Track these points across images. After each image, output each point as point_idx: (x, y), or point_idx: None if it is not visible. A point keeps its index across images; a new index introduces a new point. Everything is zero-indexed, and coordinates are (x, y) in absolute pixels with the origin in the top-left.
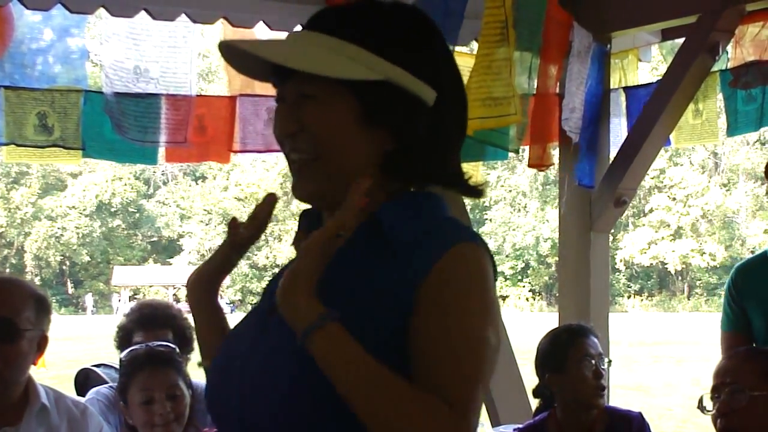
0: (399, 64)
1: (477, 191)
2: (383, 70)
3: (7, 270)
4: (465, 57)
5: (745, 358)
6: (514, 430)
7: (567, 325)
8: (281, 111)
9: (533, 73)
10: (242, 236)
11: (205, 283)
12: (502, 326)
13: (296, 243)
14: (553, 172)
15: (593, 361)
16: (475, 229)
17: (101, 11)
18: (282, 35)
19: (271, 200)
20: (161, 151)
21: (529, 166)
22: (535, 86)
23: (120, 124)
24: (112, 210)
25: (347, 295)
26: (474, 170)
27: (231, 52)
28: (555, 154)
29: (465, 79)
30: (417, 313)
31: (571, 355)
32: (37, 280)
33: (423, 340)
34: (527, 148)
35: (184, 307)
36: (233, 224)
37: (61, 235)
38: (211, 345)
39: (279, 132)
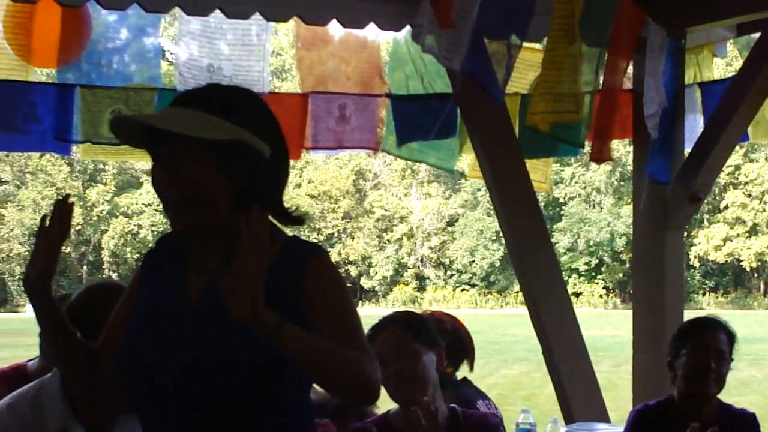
0: (244, 127)
1: (300, 220)
2: (235, 132)
3: (84, 267)
4: (526, 51)
5: None
6: (636, 408)
7: (698, 317)
8: (159, 166)
9: (600, 69)
10: (56, 235)
11: (41, 286)
12: (575, 323)
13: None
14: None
15: (708, 354)
16: (547, 226)
17: (176, 10)
18: (355, 32)
19: (69, 203)
20: None
21: (591, 160)
22: (601, 81)
23: None
24: None
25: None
26: (545, 167)
27: (119, 126)
28: (618, 149)
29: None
30: (311, 301)
31: (690, 345)
32: (114, 276)
33: (324, 317)
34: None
35: None
36: (44, 223)
37: (137, 232)
38: (56, 334)
39: (158, 181)
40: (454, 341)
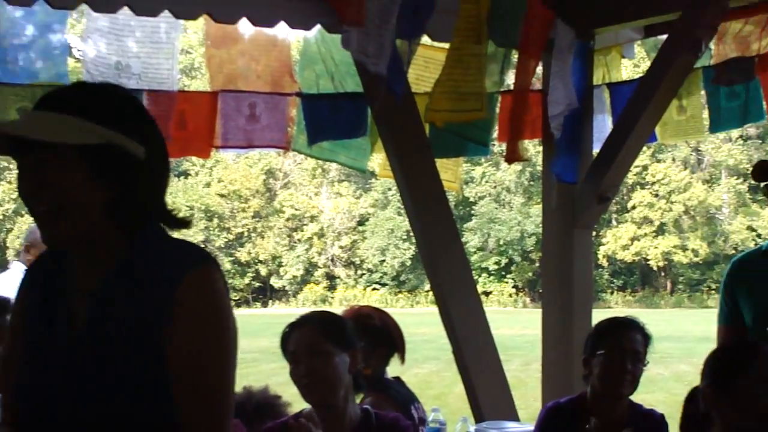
0: (114, 129)
1: (185, 223)
2: (103, 135)
3: None
4: (437, 51)
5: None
6: (548, 406)
7: (616, 317)
8: (24, 176)
9: (507, 69)
10: None
11: None
12: (485, 322)
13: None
14: (538, 168)
15: (624, 355)
16: (457, 225)
17: (83, 7)
18: (265, 30)
19: None
20: None
21: (505, 160)
22: (511, 82)
23: None
24: None
25: (116, 334)
26: (455, 166)
27: None
28: (531, 149)
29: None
30: (169, 339)
31: (606, 345)
32: None
33: (184, 374)
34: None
35: None
36: None
37: None
38: None
39: (24, 192)
40: (383, 336)
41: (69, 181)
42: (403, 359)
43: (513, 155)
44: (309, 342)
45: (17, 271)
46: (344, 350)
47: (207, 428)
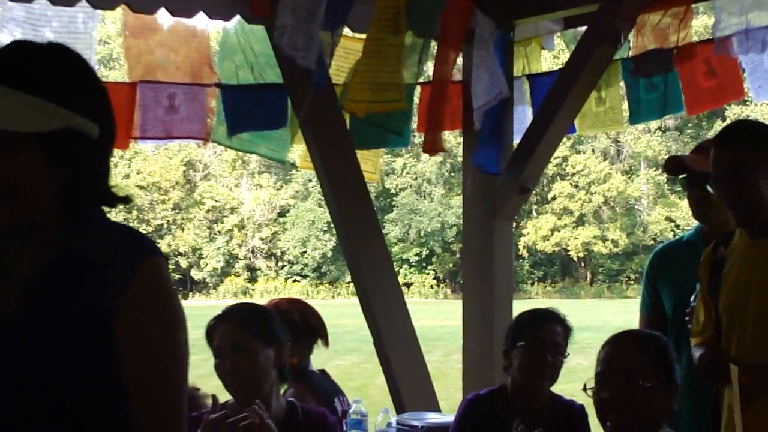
0: (69, 107)
1: (128, 199)
2: (63, 118)
3: None
4: (357, 42)
5: (636, 346)
6: (468, 398)
7: (537, 309)
8: None
9: (424, 59)
10: None
11: None
12: (406, 313)
13: None
14: (459, 159)
15: (545, 347)
16: (378, 216)
17: None
18: (184, 21)
19: None
20: None
21: (424, 151)
22: (430, 73)
23: None
24: None
25: (52, 324)
26: (375, 157)
27: None
28: (449, 140)
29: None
30: (119, 334)
31: (527, 336)
32: None
33: (138, 371)
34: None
35: None
36: None
37: None
38: None
39: None
40: (303, 328)
41: (22, 167)
42: (327, 342)
43: (432, 146)
44: (233, 338)
45: None
46: (269, 345)
47: (161, 428)
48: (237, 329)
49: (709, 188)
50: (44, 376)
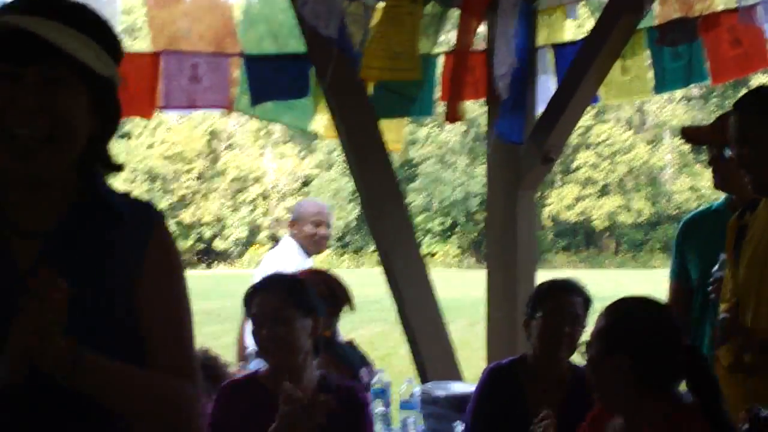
0: (115, 62)
1: (121, 166)
2: (111, 67)
3: None
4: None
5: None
6: (490, 367)
7: (556, 279)
8: (20, 90)
9: (442, 29)
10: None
11: None
12: (429, 283)
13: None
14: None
15: (563, 318)
16: (401, 186)
17: None
18: None
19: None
20: None
21: (445, 120)
22: (452, 42)
23: None
24: None
25: (97, 274)
26: (398, 127)
27: None
28: (474, 109)
29: None
30: (141, 285)
31: (545, 307)
32: None
33: (154, 314)
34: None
35: None
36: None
37: None
38: None
39: (16, 110)
40: (330, 298)
41: (73, 107)
42: (352, 306)
43: (453, 115)
44: (273, 307)
45: (288, 245)
46: (307, 315)
47: (188, 371)
48: (277, 298)
49: (726, 155)
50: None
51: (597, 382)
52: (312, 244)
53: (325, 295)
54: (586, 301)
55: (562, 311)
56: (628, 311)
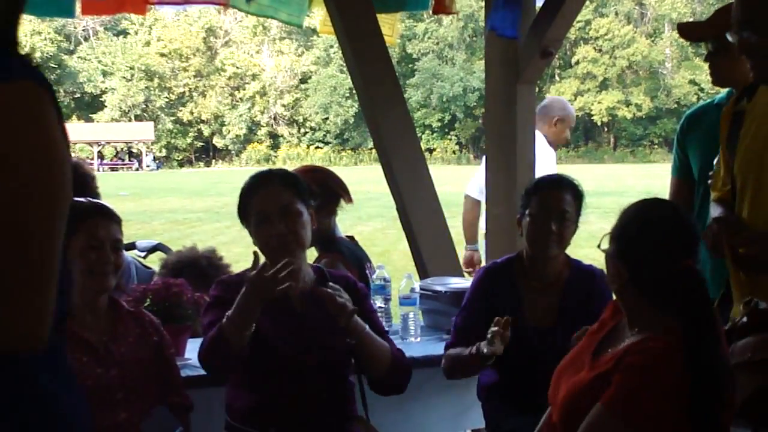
0: None
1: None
2: None
3: None
4: None
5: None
6: (485, 266)
7: (545, 176)
8: None
9: None
10: None
11: None
12: (428, 179)
13: None
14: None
15: (549, 215)
16: (400, 82)
17: None
18: None
19: None
20: (78, 5)
21: (433, 12)
22: None
23: None
24: None
25: None
26: (392, 21)
27: None
28: (471, 4)
29: None
30: None
31: (533, 204)
32: None
33: None
34: None
35: None
36: None
37: None
38: None
39: None
40: (325, 194)
41: None
42: (350, 198)
43: (440, 7)
44: (282, 201)
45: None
46: (308, 207)
47: (10, 281)
48: (283, 192)
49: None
50: None
51: (608, 276)
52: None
53: (317, 194)
54: (577, 197)
55: (549, 208)
56: (634, 220)
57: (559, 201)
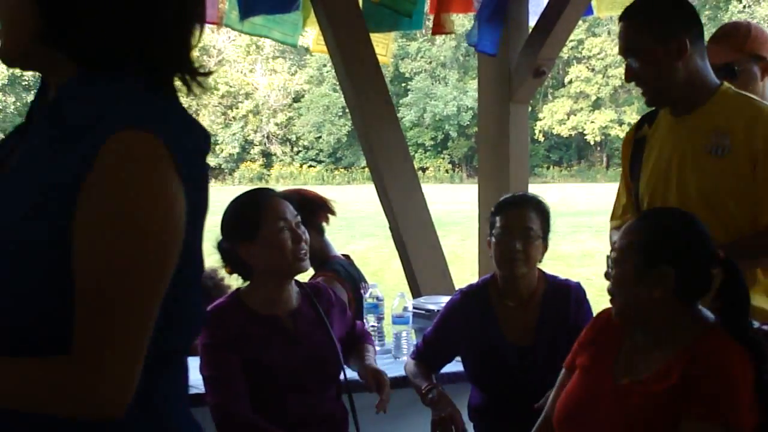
0: None
1: (208, 76)
2: None
3: None
4: None
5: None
6: (459, 290)
7: (508, 196)
8: None
9: None
10: None
11: None
12: (421, 198)
13: None
14: None
15: (512, 234)
16: (393, 101)
17: None
18: None
19: None
20: None
21: (432, 33)
22: None
23: None
24: (24, 84)
25: (28, 185)
26: (386, 40)
27: None
28: (464, 23)
29: None
30: (77, 214)
31: (497, 225)
32: None
33: (77, 252)
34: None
35: None
36: None
37: None
38: None
39: None
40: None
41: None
42: (333, 211)
43: (438, 27)
44: (294, 214)
45: None
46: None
47: (90, 360)
48: (291, 206)
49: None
50: None
51: (632, 297)
52: None
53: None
54: (542, 213)
55: (512, 227)
56: (666, 223)
57: (522, 219)
